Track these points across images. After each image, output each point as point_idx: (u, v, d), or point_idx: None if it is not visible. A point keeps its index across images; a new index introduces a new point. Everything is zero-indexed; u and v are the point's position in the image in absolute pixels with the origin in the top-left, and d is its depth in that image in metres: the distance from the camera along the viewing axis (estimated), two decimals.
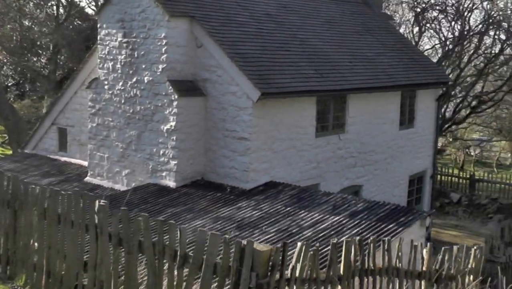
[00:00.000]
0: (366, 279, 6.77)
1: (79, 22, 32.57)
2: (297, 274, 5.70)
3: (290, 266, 5.68)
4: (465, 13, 27.99)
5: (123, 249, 6.47)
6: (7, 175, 8.25)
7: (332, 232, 10.68)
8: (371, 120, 17.11)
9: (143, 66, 14.00)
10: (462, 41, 27.04)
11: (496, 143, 42.56)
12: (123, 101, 14.54)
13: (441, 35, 30.64)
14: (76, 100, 16.95)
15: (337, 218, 11.37)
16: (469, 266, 8.65)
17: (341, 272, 6.39)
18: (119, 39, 14.41)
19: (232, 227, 10.96)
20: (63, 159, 17.38)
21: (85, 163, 16.65)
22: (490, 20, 27.08)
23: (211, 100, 13.91)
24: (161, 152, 13.86)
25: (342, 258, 6.35)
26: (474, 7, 27.86)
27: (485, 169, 36.16)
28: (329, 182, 15.71)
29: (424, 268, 8.04)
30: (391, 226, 10.84)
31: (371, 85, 16.40)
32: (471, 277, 8.66)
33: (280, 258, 5.56)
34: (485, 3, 27.89)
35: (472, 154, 41.43)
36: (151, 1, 13.66)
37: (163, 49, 13.56)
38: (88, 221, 6.81)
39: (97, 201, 6.75)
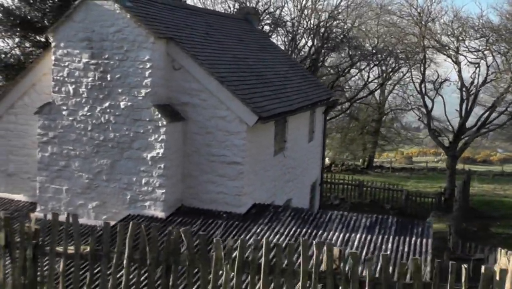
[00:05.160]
0: None
1: None
2: None
3: None
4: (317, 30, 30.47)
5: None
6: (169, 227, 7.44)
7: (372, 249, 11.40)
8: (296, 137, 18.05)
9: (119, 90, 12.97)
10: (316, 56, 29.47)
11: None
12: (89, 128, 13.25)
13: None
14: (1, 126, 14.77)
15: (359, 235, 12.10)
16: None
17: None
18: (85, 60, 13.09)
19: None
20: None
21: (16, 196, 14.81)
22: (335, 38, 30.01)
23: (192, 125, 13.49)
24: (144, 181, 13.02)
25: None
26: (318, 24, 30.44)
27: None
28: (277, 198, 16.26)
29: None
30: (414, 238, 11.94)
31: (302, 105, 17.30)
32: None
33: None
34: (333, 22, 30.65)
35: None
36: (130, 20, 12.73)
37: (147, 73, 12.76)
38: (324, 270, 6.65)
39: (340, 249, 6.64)
